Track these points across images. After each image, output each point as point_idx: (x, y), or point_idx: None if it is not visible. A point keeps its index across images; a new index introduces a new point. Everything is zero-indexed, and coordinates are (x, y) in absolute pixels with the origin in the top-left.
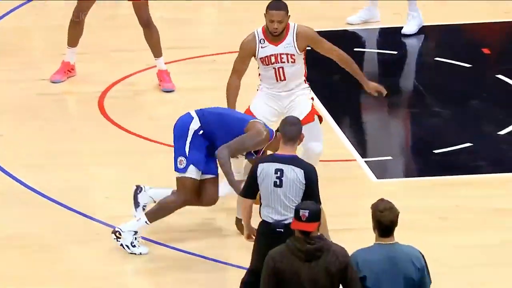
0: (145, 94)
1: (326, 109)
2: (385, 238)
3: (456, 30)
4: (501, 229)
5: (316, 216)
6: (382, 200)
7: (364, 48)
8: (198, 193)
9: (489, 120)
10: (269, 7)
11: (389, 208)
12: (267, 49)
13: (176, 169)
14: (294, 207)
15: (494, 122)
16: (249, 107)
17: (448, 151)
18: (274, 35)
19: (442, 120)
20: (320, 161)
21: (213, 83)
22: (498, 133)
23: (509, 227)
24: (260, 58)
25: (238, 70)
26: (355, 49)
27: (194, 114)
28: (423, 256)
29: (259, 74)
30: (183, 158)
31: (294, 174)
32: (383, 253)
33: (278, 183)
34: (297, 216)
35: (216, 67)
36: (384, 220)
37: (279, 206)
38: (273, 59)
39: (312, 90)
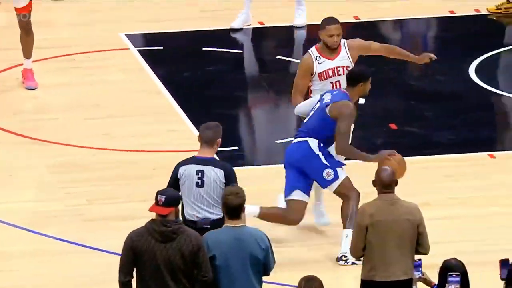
0: (11, 91)
1: (177, 102)
2: (233, 221)
3: (296, 30)
4: (337, 210)
5: (171, 202)
6: (232, 186)
7: (213, 47)
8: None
9: None
10: (326, 23)
11: (235, 193)
12: (323, 64)
13: (327, 184)
14: (217, 205)
15: None
16: None
17: (290, 140)
18: (333, 48)
19: (284, 113)
20: (172, 151)
21: (72, 79)
22: None
23: None
24: (318, 73)
25: (300, 88)
26: (204, 49)
27: (305, 138)
28: (267, 238)
29: (310, 92)
30: (329, 170)
31: (214, 174)
32: (231, 234)
33: (200, 183)
34: (156, 200)
35: (76, 65)
36: (230, 203)
37: (202, 205)
38: (330, 73)
39: (166, 86)
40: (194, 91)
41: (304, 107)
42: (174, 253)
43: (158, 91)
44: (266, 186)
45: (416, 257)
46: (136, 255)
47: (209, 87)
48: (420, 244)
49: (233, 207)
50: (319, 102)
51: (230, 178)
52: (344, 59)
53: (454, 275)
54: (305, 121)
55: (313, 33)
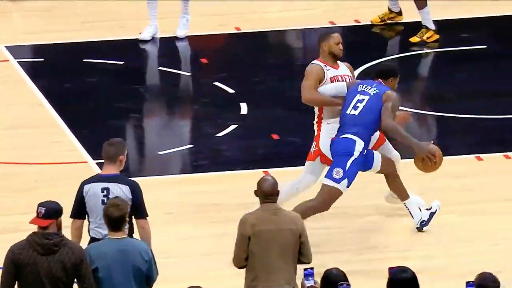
0: None
1: (58, 114)
2: (116, 232)
3: (177, 41)
4: (218, 221)
5: (51, 214)
6: (115, 198)
7: (94, 59)
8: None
9: (209, 123)
10: (331, 33)
11: (116, 205)
12: (331, 71)
13: (330, 177)
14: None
15: (213, 125)
16: (319, 149)
17: (172, 152)
18: (339, 56)
19: (166, 124)
20: (54, 163)
21: None
22: (217, 134)
23: (225, 219)
24: (330, 78)
25: (313, 87)
26: (84, 60)
27: (355, 137)
28: (150, 249)
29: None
30: (341, 170)
31: (120, 191)
32: (115, 246)
33: (105, 201)
34: (36, 212)
35: None
36: (110, 215)
37: None
38: (340, 79)
39: (47, 98)
40: (76, 102)
41: (331, 90)
42: (56, 265)
43: (39, 103)
44: (151, 197)
45: (309, 266)
46: (17, 268)
47: (90, 98)
48: (302, 253)
49: (114, 219)
50: (361, 95)
51: (136, 193)
52: (346, 70)
53: (345, 285)
54: (356, 113)
55: (195, 44)
